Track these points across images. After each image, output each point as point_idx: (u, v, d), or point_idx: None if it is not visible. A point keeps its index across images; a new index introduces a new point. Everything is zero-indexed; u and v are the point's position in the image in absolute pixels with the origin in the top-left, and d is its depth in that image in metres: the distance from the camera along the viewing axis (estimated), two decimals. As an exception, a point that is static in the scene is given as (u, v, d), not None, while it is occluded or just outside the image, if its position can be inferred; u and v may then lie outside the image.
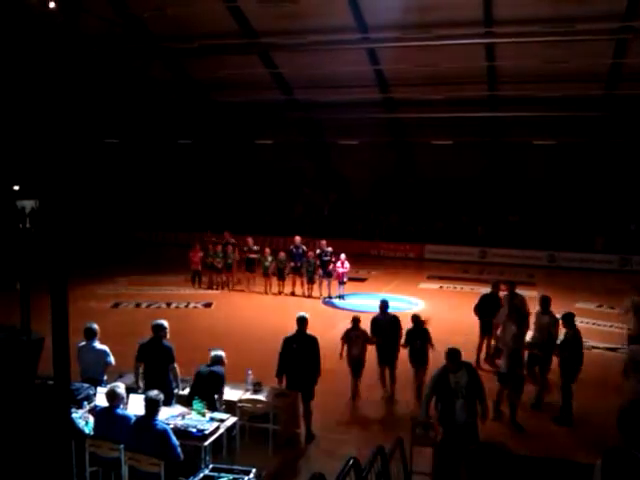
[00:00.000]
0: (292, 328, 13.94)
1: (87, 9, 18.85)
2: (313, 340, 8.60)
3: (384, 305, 10.42)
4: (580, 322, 15.16)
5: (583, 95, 23.05)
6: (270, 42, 22.47)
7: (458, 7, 18.94)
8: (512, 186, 28.23)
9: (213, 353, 8.05)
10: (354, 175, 29.86)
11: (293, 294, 18.67)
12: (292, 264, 18.62)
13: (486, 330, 11.93)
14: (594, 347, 13.04)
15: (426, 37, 19.84)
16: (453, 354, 7.25)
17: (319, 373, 8.63)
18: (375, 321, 10.33)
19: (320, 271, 18.34)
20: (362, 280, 21.19)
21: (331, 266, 18.22)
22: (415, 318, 10.00)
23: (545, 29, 18.70)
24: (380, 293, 18.55)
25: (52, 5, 16.55)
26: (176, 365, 8.12)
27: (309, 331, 8.77)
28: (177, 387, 8.11)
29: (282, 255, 18.86)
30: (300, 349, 8.54)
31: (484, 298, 12.11)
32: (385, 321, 10.29)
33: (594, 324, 15.16)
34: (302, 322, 8.72)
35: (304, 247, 19.00)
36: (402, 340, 10.05)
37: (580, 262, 24.71)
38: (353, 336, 10.10)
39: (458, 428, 6.99)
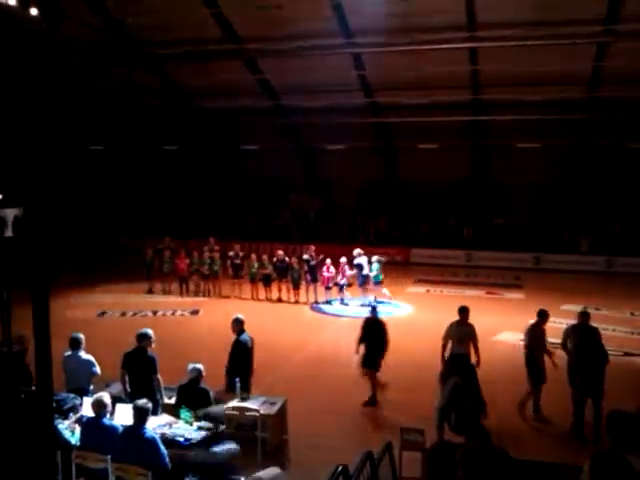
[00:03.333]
0: (280, 334, 14.00)
1: (69, 16, 18.76)
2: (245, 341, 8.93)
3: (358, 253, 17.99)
4: (566, 325, 15.33)
5: (566, 98, 23.25)
6: (255, 48, 22.46)
7: (441, 12, 19.03)
8: (497, 189, 28.44)
9: (191, 367, 7.91)
10: (340, 180, 29.88)
11: (280, 300, 18.62)
12: (276, 274, 18.65)
13: (371, 363, 10.31)
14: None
15: (410, 42, 19.94)
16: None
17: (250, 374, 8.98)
18: (358, 264, 17.71)
19: (308, 277, 18.30)
20: (349, 285, 21.15)
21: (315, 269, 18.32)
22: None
23: (527, 33, 18.89)
24: (367, 297, 18.60)
25: (34, 12, 16.41)
26: (159, 376, 8.04)
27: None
28: (161, 398, 8.02)
29: (265, 258, 18.86)
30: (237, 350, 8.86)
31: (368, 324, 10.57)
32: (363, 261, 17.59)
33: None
34: (239, 324, 8.98)
35: (287, 258, 18.93)
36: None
37: (566, 264, 24.86)
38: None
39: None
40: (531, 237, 26.31)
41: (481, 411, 7.63)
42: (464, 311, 9.62)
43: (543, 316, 9.68)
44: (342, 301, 18.20)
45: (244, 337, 8.97)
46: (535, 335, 9.58)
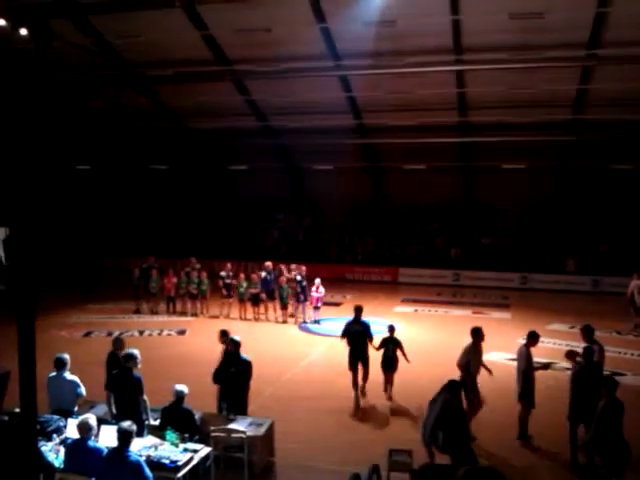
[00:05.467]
0: (267, 354, 13.93)
1: (60, 36, 18.79)
2: (247, 364, 8.87)
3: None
4: (553, 343, 15.39)
5: (551, 120, 23.59)
6: (243, 70, 22.66)
7: (428, 35, 19.33)
8: (484, 209, 28.65)
9: (177, 389, 7.88)
10: (328, 200, 30.03)
11: (268, 320, 18.55)
12: (264, 294, 18.58)
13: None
14: (568, 369, 13.10)
15: (397, 65, 20.20)
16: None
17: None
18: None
19: (301, 296, 18.24)
20: (337, 305, 21.17)
21: (306, 289, 18.25)
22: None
23: (513, 56, 19.21)
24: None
25: (23, 32, 16.44)
26: (145, 397, 7.97)
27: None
28: (147, 419, 7.94)
29: (255, 277, 18.80)
30: (237, 372, 8.76)
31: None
32: None
33: (567, 345, 15.26)
34: (236, 345, 8.96)
35: (271, 274, 18.88)
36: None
37: (552, 284, 25.04)
38: None
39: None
40: (518, 257, 26.49)
41: (466, 431, 7.63)
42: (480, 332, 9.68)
43: (534, 337, 9.55)
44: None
45: (244, 356, 8.97)
46: (530, 358, 9.43)
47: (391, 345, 11.15)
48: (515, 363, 9.87)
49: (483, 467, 4.53)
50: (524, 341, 9.74)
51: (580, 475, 7.71)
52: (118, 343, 9.28)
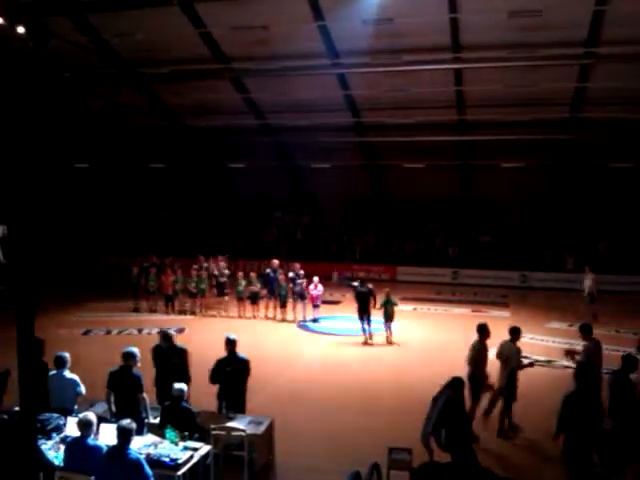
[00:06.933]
0: (267, 353, 13.93)
1: (57, 34, 18.75)
2: (244, 362, 8.80)
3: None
4: (552, 342, 15.41)
5: (549, 118, 23.59)
6: (242, 67, 22.63)
7: (426, 34, 19.32)
8: (483, 208, 28.66)
9: (174, 386, 7.85)
10: (327, 198, 30.01)
11: (267, 318, 18.55)
12: (265, 291, 18.57)
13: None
14: (567, 367, 13.11)
15: (396, 63, 20.19)
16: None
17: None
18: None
19: (295, 294, 18.25)
20: (336, 303, 21.17)
21: (302, 287, 18.18)
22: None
23: (512, 54, 19.22)
24: (354, 315, 18.58)
25: (21, 30, 16.40)
26: (145, 395, 7.96)
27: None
28: (147, 417, 7.94)
29: (253, 276, 18.79)
30: (233, 372, 8.70)
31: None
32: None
33: (566, 344, 15.29)
34: (232, 344, 8.87)
35: (281, 270, 18.94)
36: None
37: (552, 282, 25.02)
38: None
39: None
40: (517, 255, 26.49)
41: (468, 429, 7.62)
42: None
43: (518, 332, 9.71)
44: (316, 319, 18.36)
45: (241, 355, 8.91)
46: (517, 353, 9.55)
47: (389, 305, 15.51)
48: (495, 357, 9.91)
49: (469, 467, 4.50)
50: (509, 337, 9.74)
51: (580, 474, 7.70)
52: (166, 338, 9.79)
